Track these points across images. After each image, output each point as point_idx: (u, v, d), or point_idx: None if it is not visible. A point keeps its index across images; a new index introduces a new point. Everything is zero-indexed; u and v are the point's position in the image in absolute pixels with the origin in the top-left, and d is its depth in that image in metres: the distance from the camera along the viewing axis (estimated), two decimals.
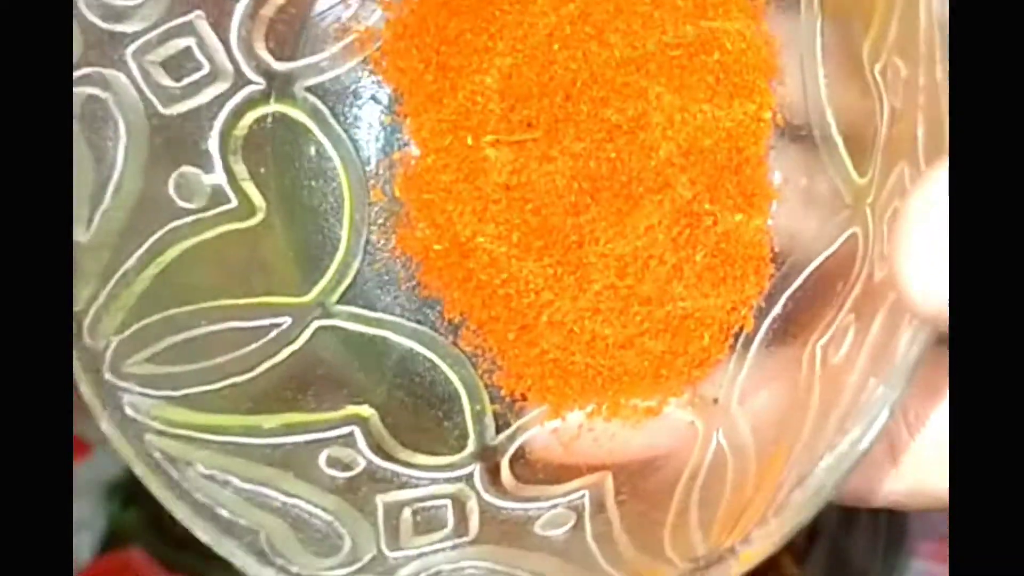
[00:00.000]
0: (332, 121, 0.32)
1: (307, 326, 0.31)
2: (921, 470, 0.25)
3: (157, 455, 0.26)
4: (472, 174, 0.30)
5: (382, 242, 0.32)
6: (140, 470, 0.26)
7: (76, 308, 0.27)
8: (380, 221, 0.32)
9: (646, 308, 0.29)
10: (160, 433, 0.27)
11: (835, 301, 0.26)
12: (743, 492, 0.25)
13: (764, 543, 0.23)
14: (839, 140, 0.27)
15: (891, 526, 0.51)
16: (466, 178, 0.31)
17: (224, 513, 0.26)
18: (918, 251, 0.21)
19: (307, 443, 0.29)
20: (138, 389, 0.27)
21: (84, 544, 0.54)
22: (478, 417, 0.31)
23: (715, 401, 0.29)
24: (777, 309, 0.29)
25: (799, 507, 0.22)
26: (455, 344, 0.31)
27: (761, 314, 0.29)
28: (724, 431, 0.27)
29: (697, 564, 0.24)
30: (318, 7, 0.32)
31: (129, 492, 0.55)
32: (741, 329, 0.29)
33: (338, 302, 0.31)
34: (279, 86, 0.31)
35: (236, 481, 0.27)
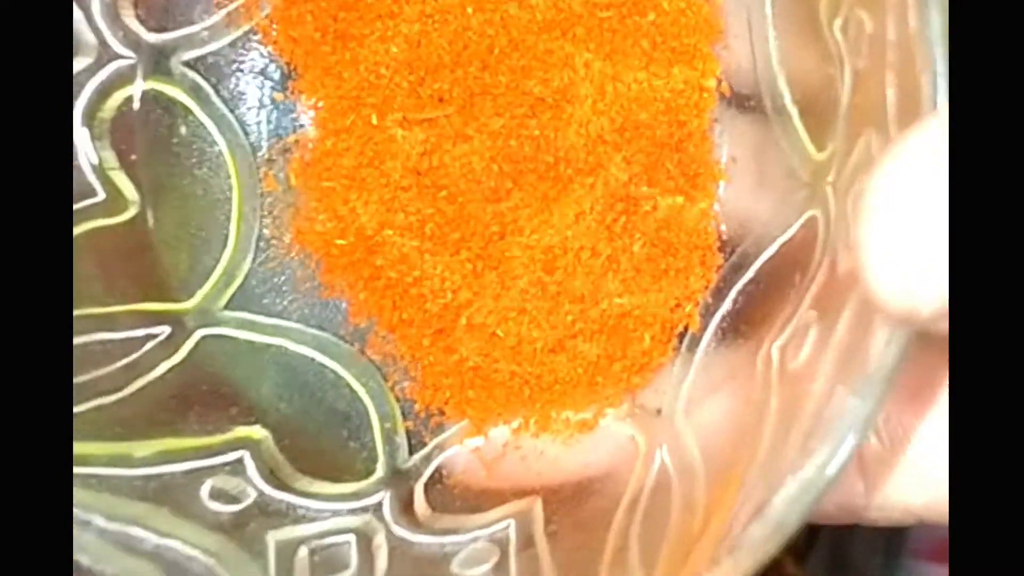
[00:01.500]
0: (215, 100, 0.28)
1: (189, 336, 0.27)
2: (902, 489, 0.23)
3: None
4: (378, 158, 0.27)
5: (276, 238, 0.28)
6: None
7: None
8: (273, 213, 0.28)
9: (577, 307, 0.26)
10: None
11: (793, 296, 0.23)
12: (691, 523, 0.22)
13: None
14: (793, 111, 0.25)
15: (891, 526, 0.50)
16: (371, 162, 0.27)
17: (84, 560, 0.23)
18: (883, 237, 0.18)
19: (187, 473, 0.25)
20: None
21: None
22: (388, 436, 0.27)
23: (658, 412, 0.26)
24: (726, 305, 0.26)
25: (756, 544, 0.19)
26: (362, 352, 0.28)
27: (708, 311, 0.26)
28: (669, 448, 0.24)
29: None
30: None
31: None
32: (686, 329, 0.26)
33: (225, 307, 0.28)
34: (151, 60, 0.28)
35: (100, 521, 0.23)
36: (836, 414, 0.19)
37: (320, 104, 0.28)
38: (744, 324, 0.25)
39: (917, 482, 0.23)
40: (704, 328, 0.26)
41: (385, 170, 0.27)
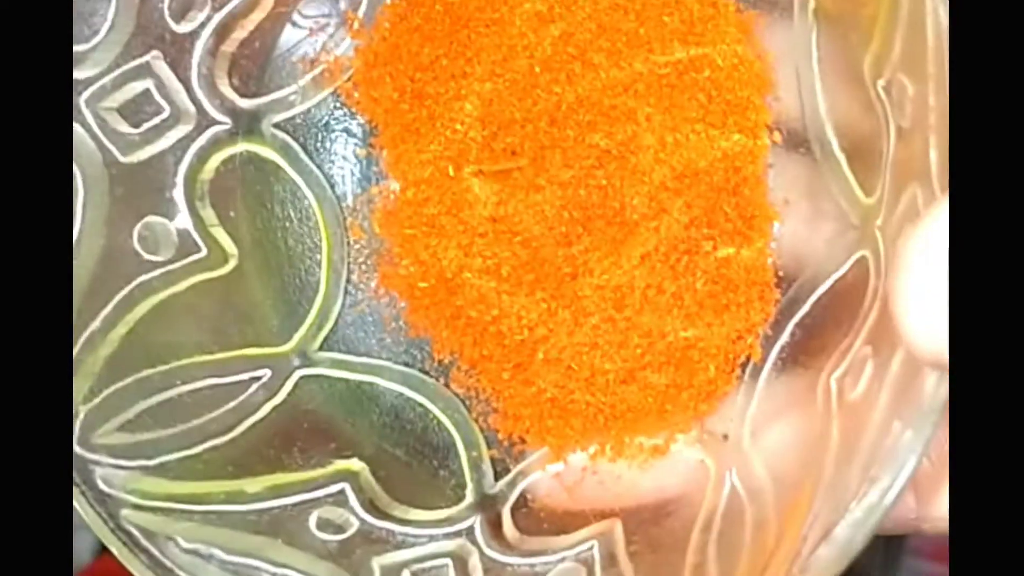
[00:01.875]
0: (304, 157, 0.30)
1: (289, 377, 0.29)
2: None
3: (134, 531, 0.25)
4: (456, 207, 0.29)
5: (363, 282, 0.30)
6: (117, 549, 0.25)
7: None
8: (360, 260, 0.30)
9: (646, 340, 0.28)
10: (137, 507, 0.25)
11: (848, 329, 0.24)
12: (764, 542, 0.23)
13: None
14: (841, 157, 0.26)
15: None
16: (449, 211, 0.29)
17: None
18: (916, 292, 0.20)
19: (295, 505, 0.27)
20: (110, 461, 0.26)
21: (84, 544, 0.52)
22: (475, 464, 0.29)
23: (725, 437, 0.27)
24: (785, 336, 0.27)
25: (825, 565, 0.21)
26: (447, 386, 0.30)
27: (768, 343, 0.27)
28: (738, 471, 0.26)
29: None
30: (284, 40, 0.30)
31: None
32: (748, 359, 0.28)
33: (320, 348, 0.30)
34: (246, 124, 0.29)
35: (221, 554, 0.25)
36: (893, 445, 0.21)
37: (400, 158, 0.29)
38: (803, 355, 0.27)
39: None
40: (765, 358, 0.27)
41: (463, 218, 0.29)
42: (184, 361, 0.28)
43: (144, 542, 0.25)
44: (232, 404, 0.28)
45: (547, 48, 0.28)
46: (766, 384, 0.27)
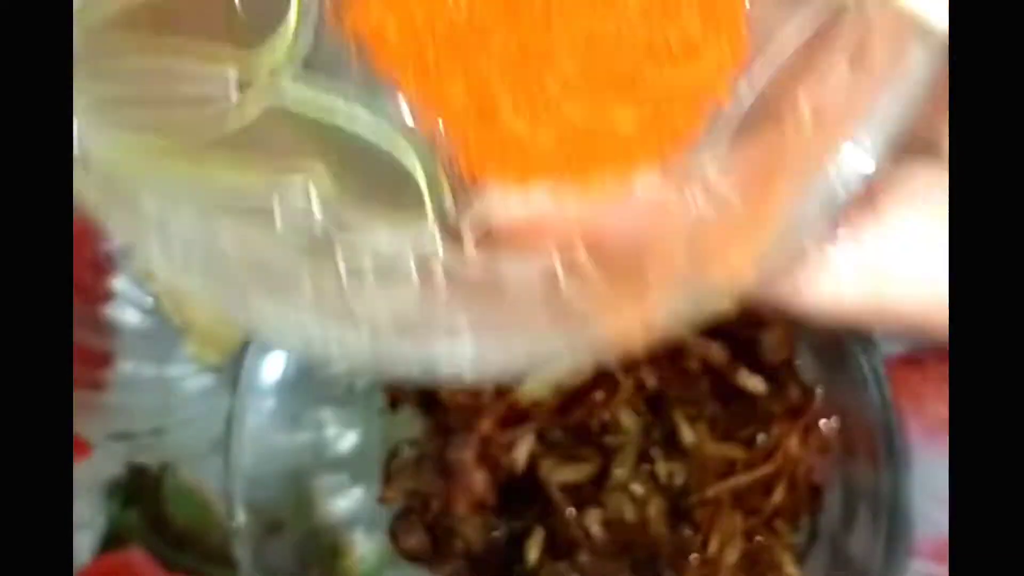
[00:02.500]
0: None
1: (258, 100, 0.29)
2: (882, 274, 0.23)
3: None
4: None
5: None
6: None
7: None
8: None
9: (616, 82, 0.28)
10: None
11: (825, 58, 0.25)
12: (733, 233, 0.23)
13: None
14: None
15: (891, 526, 0.51)
16: None
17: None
18: None
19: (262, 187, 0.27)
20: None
21: (84, 544, 0.52)
22: (437, 199, 0.28)
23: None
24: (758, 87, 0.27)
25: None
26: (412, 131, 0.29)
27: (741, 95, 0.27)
28: (701, 193, 0.26)
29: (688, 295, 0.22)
30: None
31: (129, 492, 0.54)
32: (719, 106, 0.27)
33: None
34: None
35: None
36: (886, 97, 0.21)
37: None
38: (774, 107, 0.26)
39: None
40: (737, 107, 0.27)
41: None
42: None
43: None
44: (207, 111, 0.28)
45: None
46: (735, 133, 0.27)
